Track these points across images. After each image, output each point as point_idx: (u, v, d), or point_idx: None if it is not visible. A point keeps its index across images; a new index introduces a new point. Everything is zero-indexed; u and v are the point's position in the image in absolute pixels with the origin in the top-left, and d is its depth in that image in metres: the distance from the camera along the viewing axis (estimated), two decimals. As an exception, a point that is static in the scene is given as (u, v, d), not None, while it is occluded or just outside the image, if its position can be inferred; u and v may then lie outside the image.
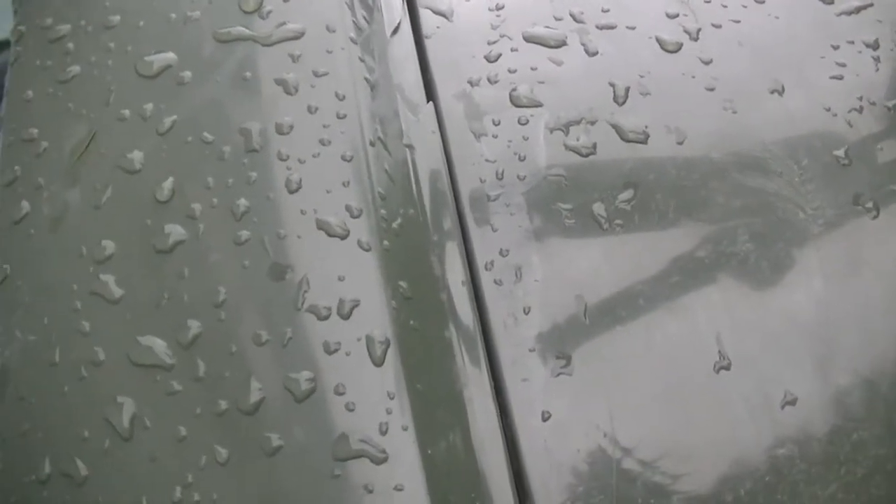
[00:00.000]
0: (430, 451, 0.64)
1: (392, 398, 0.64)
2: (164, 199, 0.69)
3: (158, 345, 0.65)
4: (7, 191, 0.72)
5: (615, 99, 0.76)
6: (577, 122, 0.75)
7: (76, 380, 0.66)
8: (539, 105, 0.75)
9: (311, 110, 0.72)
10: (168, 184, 0.69)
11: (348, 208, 0.68)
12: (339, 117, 0.71)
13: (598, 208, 0.72)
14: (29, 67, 0.76)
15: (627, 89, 0.77)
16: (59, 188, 0.71)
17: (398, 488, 0.63)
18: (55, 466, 0.64)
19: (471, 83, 0.76)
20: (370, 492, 0.62)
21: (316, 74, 0.73)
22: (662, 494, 0.67)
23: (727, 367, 0.70)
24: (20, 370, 0.67)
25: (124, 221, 0.69)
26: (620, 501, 0.66)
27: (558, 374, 0.68)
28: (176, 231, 0.68)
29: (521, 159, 0.73)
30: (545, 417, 0.67)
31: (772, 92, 0.78)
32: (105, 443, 0.64)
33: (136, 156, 0.71)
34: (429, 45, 0.78)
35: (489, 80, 0.76)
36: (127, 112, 0.72)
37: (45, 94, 0.74)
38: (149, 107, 0.72)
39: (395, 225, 0.69)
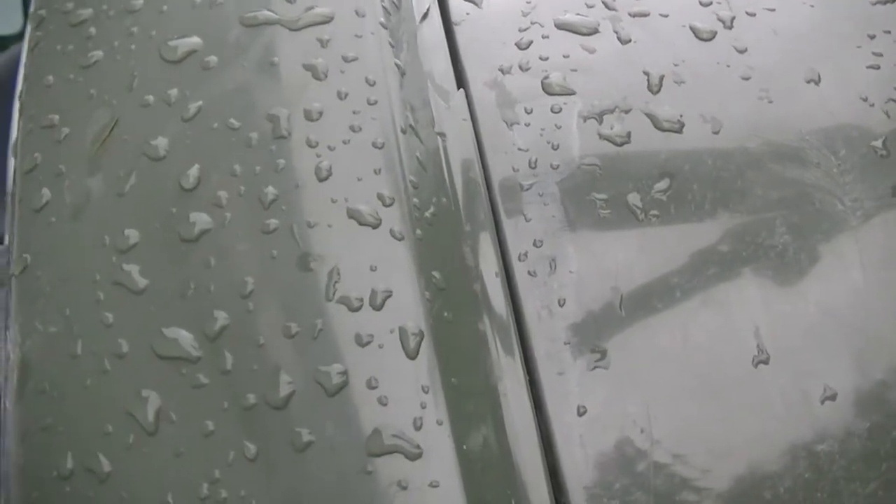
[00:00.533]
0: (465, 447, 0.61)
1: (426, 392, 0.61)
2: (189, 187, 0.66)
3: (184, 337, 0.62)
4: (27, 178, 0.69)
5: (649, 87, 0.73)
6: (611, 111, 0.72)
7: (99, 373, 0.62)
8: (572, 93, 0.72)
9: (341, 96, 0.68)
10: (194, 171, 0.66)
11: (380, 197, 0.65)
12: (369, 103, 0.68)
13: (634, 198, 0.69)
14: (49, 52, 0.72)
15: (662, 78, 0.74)
16: (80, 175, 0.67)
17: (433, 485, 0.60)
18: (78, 462, 0.61)
19: (502, 71, 0.73)
20: (404, 488, 0.59)
21: (345, 59, 0.70)
22: (700, 491, 0.64)
23: (766, 362, 0.67)
24: (41, 363, 0.64)
25: (148, 210, 0.66)
26: (658, 497, 0.63)
27: (594, 368, 0.65)
28: (202, 219, 0.65)
29: (555, 148, 0.70)
30: (581, 412, 0.64)
31: (808, 81, 0.76)
32: (129, 438, 0.61)
33: (161, 142, 0.67)
34: (458, 31, 0.75)
35: (521, 67, 0.73)
36: (151, 98, 0.69)
37: (66, 80, 0.71)
38: (173, 92, 0.69)
39: (427, 214, 0.66)
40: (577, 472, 0.63)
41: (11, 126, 0.72)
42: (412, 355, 0.62)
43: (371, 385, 0.61)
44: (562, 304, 0.66)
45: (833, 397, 0.67)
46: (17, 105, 0.73)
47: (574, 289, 0.67)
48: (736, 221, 0.70)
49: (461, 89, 0.72)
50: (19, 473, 0.62)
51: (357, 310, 0.63)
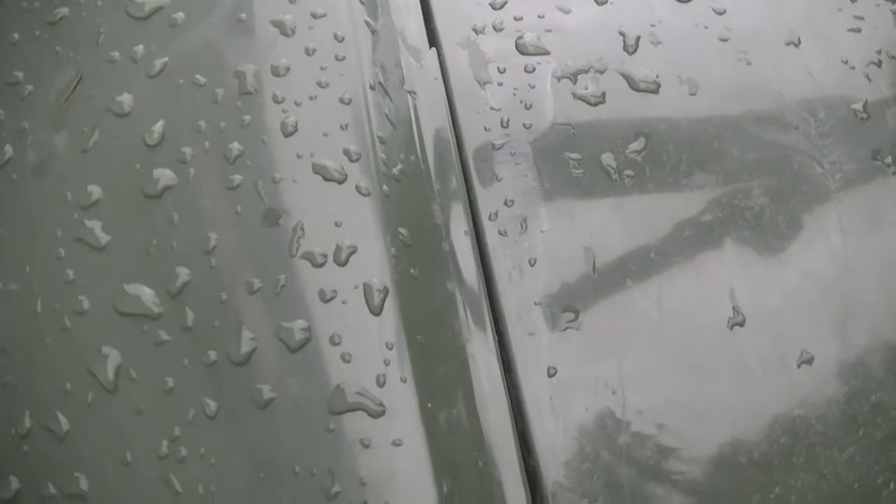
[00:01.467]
0: (430, 406, 0.58)
1: (390, 349, 0.58)
2: (153, 143, 0.63)
3: (146, 293, 0.59)
4: None
5: (625, 48, 0.70)
6: (586, 71, 0.69)
7: (59, 330, 0.59)
8: (546, 53, 0.69)
9: (309, 52, 0.66)
10: (158, 127, 0.63)
11: (346, 152, 0.62)
12: (337, 59, 0.65)
13: (608, 159, 0.66)
14: (14, 10, 0.69)
15: (638, 38, 0.71)
16: (44, 132, 0.64)
17: (396, 443, 0.57)
18: (36, 420, 0.58)
19: (475, 30, 0.70)
20: (366, 447, 0.56)
21: (314, 16, 0.67)
22: (673, 455, 0.61)
23: (741, 324, 0.64)
24: (1, 320, 0.60)
25: (112, 166, 0.63)
26: (629, 461, 0.60)
27: (565, 329, 0.62)
28: (165, 175, 0.62)
29: (528, 108, 0.67)
30: (551, 373, 0.61)
31: (787, 44, 0.72)
32: (88, 396, 0.58)
33: (126, 98, 0.64)
34: None
35: (494, 27, 0.70)
36: (116, 54, 0.66)
37: (32, 37, 0.68)
38: (139, 49, 0.66)
39: (395, 171, 0.63)
40: (548, 434, 0.60)
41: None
42: (376, 311, 0.59)
43: (334, 341, 0.58)
44: (532, 263, 0.63)
45: (810, 361, 0.64)
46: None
47: (545, 249, 0.64)
48: (712, 184, 0.67)
49: (433, 48, 0.69)
50: None
51: (321, 265, 0.60)
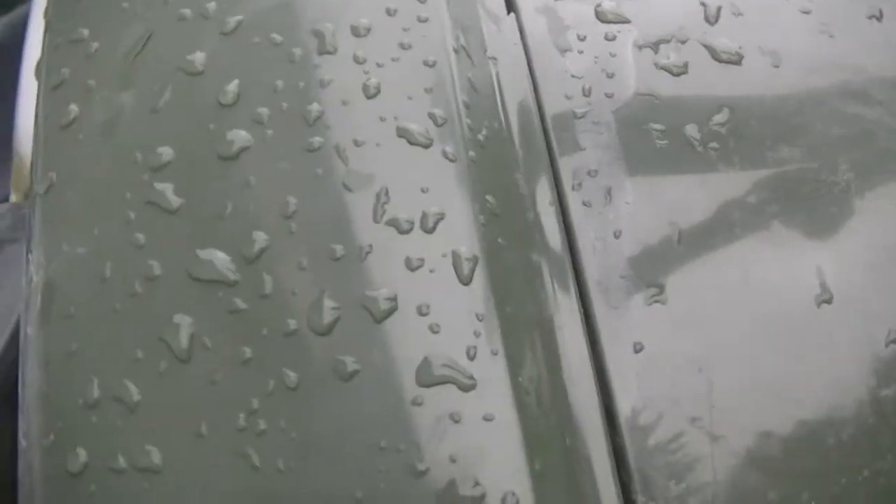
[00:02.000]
0: (520, 380, 0.55)
1: (480, 320, 0.55)
2: (227, 103, 0.59)
3: (220, 258, 0.56)
4: (53, 94, 0.62)
5: (706, 18, 0.67)
6: (668, 41, 0.66)
7: (129, 296, 0.56)
8: (627, 21, 0.66)
9: (390, 12, 0.62)
10: (232, 87, 0.60)
11: (431, 116, 0.59)
12: (420, 20, 0.62)
13: (692, 130, 0.63)
14: (78, -35, 0.66)
15: (719, 8, 0.67)
16: (111, 91, 0.61)
17: (488, 418, 0.53)
18: (104, 390, 0.54)
19: None
20: (457, 421, 0.53)
21: None
22: (759, 435, 0.58)
23: (829, 301, 0.60)
24: (68, 285, 0.57)
25: (184, 126, 0.59)
26: (715, 440, 0.57)
27: (651, 303, 0.59)
28: (241, 137, 0.58)
29: (609, 76, 0.64)
30: (637, 349, 0.58)
31: (869, 17, 0.69)
32: (161, 364, 0.54)
33: (198, 57, 0.61)
34: None
35: None
36: (188, 11, 0.62)
37: None
38: (212, 6, 0.62)
39: (480, 137, 0.60)
40: (634, 411, 0.57)
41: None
42: (466, 281, 0.55)
43: (422, 312, 0.54)
44: (617, 236, 0.60)
45: None
46: (42, 23, 0.66)
47: (630, 221, 0.61)
48: (797, 158, 0.64)
49: (511, 13, 0.66)
50: (41, 401, 0.55)
51: (407, 232, 0.56)
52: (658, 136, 0.63)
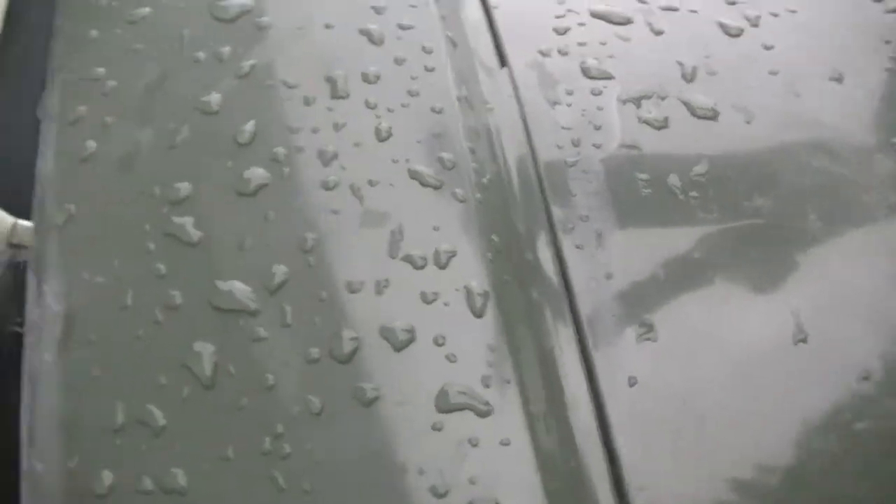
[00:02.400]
0: (531, 407, 0.58)
1: (493, 351, 0.58)
2: (245, 142, 0.62)
3: (241, 289, 0.58)
4: (71, 129, 0.63)
5: (683, 76, 0.72)
6: (649, 97, 0.70)
7: (151, 323, 0.57)
8: (611, 77, 0.71)
9: (398, 62, 0.65)
10: (249, 126, 0.62)
11: (440, 160, 0.62)
12: (427, 70, 0.65)
13: (674, 179, 0.68)
14: (91, 6, 0.68)
15: (695, 68, 0.72)
16: (129, 128, 0.63)
17: (504, 443, 0.56)
18: (129, 414, 0.56)
19: (542, 53, 0.71)
20: (475, 445, 0.55)
21: (401, 27, 0.67)
22: (745, 463, 0.62)
23: (804, 340, 0.65)
24: (89, 314, 0.58)
25: (202, 163, 0.62)
26: (704, 469, 0.61)
27: (642, 340, 0.63)
28: (258, 174, 0.61)
29: (597, 128, 0.68)
30: (631, 383, 0.62)
31: (831, 79, 0.75)
32: (185, 390, 0.56)
33: (214, 98, 0.63)
34: (496, 14, 0.73)
35: (559, 51, 0.71)
36: (202, 55, 0.65)
37: (112, 35, 0.66)
38: (226, 50, 0.65)
39: (484, 180, 0.63)
40: (630, 440, 0.61)
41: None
42: (479, 314, 0.59)
43: (438, 342, 0.57)
44: (609, 277, 0.64)
45: (868, 378, 0.66)
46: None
47: (620, 263, 0.65)
48: (770, 206, 0.69)
49: (505, 67, 0.70)
50: (62, 426, 0.56)
51: (421, 268, 0.59)
52: (643, 185, 0.67)
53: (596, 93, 0.69)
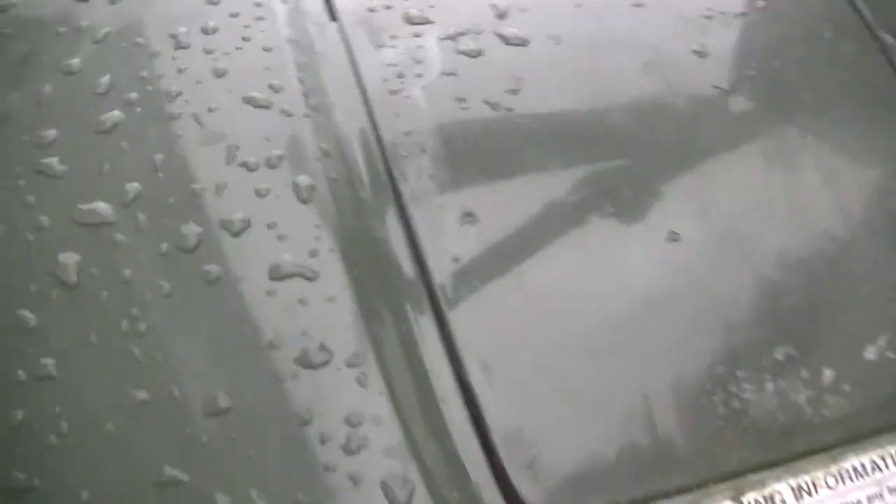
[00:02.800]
0: (355, 271, 0.65)
1: (319, 228, 0.66)
2: (102, 92, 0.71)
3: (100, 206, 0.66)
4: None
5: (497, 15, 0.81)
6: (465, 34, 0.79)
7: (23, 244, 0.66)
8: (431, 22, 0.80)
9: (233, 16, 0.75)
10: (105, 80, 0.72)
11: (271, 86, 0.71)
12: (257, 19, 0.75)
13: (488, 97, 0.76)
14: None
15: (507, 7, 0.82)
16: (2, 94, 0.72)
17: (330, 300, 0.64)
18: (3, 323, 0.64)
19: (369, 10, 0.80)
20: (304, 304, 0.63)
21: None
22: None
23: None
24: None
25: (64, 112, 0.71)
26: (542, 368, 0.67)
27: (464, 224, 0.70)
28: (114, 115, 0.70)
29: (418, 62, 0.77)
30: (455, 259, 0.68)
31: (634, 6, 0.84)
32: (53, 294, 0.64)
33: (74, 61, 0.73)
34: None
35: (385, 6, 0.81)
36: (63, 29, 0.75)
37: None
38: (84, 23, 0.75)
39: (313, 101, 0.72)
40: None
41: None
42: (306, 201, 0.67)
43: (270, 227, 0.65)
44: (432, 178, 0.72)
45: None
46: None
47: (441, 164, 0.72)
48: (582, 112, 0.77)
49: (334, 21, 0.79)
50: None
51: (255, 170, 0.68)
52: (464, 106, 0.75)
53: (417, 35, 0.79)
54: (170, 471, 0.59)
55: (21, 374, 0.62)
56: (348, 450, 0.60)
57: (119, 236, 0.65)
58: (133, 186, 0.67)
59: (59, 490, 0.60)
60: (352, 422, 0.61)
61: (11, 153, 0.69)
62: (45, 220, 0.66)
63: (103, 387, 0.62)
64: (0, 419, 0.61)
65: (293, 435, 0.60)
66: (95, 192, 0.67)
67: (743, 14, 0.86)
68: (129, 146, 0.68)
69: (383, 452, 0.61)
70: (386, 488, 0.60)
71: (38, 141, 0.69)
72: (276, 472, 0.59)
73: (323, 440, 0.60)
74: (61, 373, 0.62)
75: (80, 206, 0.66)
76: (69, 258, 0.65)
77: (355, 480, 0.60)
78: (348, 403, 0.61)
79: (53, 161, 0.68)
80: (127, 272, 0.64)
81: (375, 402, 0.62)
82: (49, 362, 0.62)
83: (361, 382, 0.62)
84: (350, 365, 0.62)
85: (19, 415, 0.61)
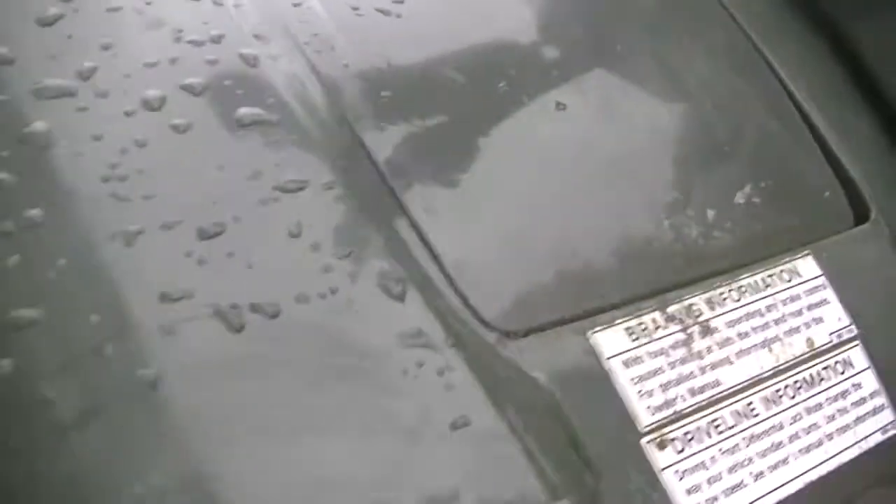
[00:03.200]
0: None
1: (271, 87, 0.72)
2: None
3: (59, 81, 0.70)
4: None
5: None
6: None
7: None
8: None
9: None
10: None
11: None
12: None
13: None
14: None
15: None
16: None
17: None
18: None
19: None
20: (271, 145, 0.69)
21: None
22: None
23: None
24: None
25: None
26: None
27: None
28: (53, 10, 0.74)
29: None
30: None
31: None
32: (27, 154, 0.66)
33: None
34: None
35: None
36: None
37: None
38: None
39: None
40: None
41: None
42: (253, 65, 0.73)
43: (227, 87, 0.72)
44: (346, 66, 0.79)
45: None
46: None
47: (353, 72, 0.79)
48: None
49: None
50: None
51: (201, 45, 0.74)
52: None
53: None
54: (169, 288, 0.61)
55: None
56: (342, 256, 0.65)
57: (81, 103, 0.68)
58: (88, 65, 0.71)
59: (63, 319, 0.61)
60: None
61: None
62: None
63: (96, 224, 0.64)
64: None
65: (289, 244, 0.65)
66: (50, 71, 0.70)
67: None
68: (74, 35, 0.72)
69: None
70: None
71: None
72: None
73: (315, 249, 0.65)
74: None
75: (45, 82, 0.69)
76: (40, 127, 0.67)
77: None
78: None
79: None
80: (98, 131, 0.67)
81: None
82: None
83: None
84: (327, 188, 0.68)
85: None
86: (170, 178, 0.65)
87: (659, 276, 0.75)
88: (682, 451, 0.68)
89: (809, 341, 0.77)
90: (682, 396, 0.71)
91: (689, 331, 0.72)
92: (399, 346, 0.59)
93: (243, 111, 0.70)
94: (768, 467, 0.72)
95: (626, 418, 0.68)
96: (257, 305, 0.58)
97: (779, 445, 0.73)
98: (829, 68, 0.93)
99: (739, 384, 0.73)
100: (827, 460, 0.75)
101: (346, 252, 0.65)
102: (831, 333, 0.79)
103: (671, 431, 0.69)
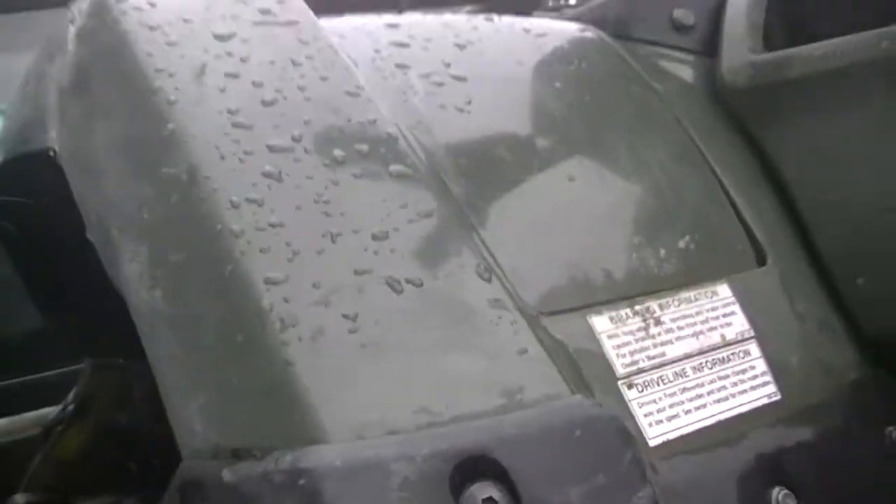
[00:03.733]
0: None
1: None
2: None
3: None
4: None
5: None
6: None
7: None
8: None
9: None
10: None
11: None
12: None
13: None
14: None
15: None
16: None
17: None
18: None
19: None
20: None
21: None
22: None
23: None
24: None
25: None
26: None
27: None
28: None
29: None
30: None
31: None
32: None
33: None
34: None
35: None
36: None
37: None
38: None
39: None
40: None
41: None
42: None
43: None
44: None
45: None
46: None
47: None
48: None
49: None
50: None
51: None
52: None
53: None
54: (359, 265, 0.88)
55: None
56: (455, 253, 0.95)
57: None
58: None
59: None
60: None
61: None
62: None
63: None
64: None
65: (424, 244, 0.90)
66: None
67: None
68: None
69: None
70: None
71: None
72: None
73: (438, 246, 0.92)
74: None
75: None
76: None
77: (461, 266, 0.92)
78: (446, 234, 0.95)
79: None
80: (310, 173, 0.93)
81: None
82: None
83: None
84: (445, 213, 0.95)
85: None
86: (357, 207, 0.90)
87: (631, 287, 1.01)
88: (642, 392, 0.94)
89: (723, 336, 1.04)
90: (642, 359, 0.97)
91: (647, 321, 0.99)
92: (489, 307, 0.88)
93: (393, 168, 0.93)
94: (694, 407, 0.97)
95: (609, 369, 0.94)
96: (410, 279, 0.85)
97: (700, 396, 0.99)
98: (745, 159, 1.21)
99: (678, 357, 1.00)
100: (731, 409, 1.01)
101: (458, 250, 0.91)
102: (737, 333, 1.04)
103: (636, 379, 0.95)
